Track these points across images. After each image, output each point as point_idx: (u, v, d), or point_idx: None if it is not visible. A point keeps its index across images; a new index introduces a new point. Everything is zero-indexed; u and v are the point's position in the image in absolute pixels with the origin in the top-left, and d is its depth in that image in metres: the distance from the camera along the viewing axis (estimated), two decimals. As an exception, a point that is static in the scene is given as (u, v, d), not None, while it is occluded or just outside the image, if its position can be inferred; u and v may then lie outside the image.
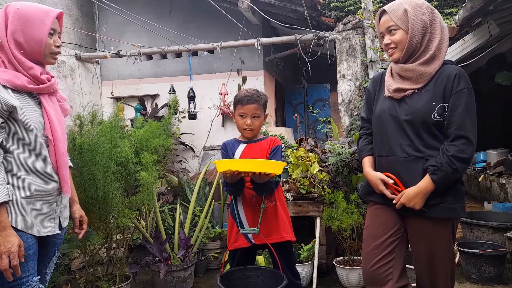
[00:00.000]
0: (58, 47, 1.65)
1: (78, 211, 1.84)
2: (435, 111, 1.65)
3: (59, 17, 1.67)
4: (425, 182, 1.64)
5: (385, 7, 1.74)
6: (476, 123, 1.65)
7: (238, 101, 2.14)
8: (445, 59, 1.73)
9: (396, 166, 1.73)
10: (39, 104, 1.61)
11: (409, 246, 1.84)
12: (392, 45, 1.73)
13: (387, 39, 1.74)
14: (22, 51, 1.56)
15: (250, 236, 2.12)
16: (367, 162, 1.89)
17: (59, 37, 1.68)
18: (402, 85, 1.72)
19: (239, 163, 1.88)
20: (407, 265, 1.99)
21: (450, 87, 1.64)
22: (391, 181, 1.73)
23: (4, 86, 1.49)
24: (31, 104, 1.58)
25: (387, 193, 1.74)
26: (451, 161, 1.60)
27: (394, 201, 1.72)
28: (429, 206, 1.66)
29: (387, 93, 1.79)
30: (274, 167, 1.86)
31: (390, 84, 1.78)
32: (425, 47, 1.68)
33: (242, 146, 2.18)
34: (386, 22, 1.73)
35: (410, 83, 1.71)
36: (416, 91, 1.70)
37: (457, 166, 1.60)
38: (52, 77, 1.68)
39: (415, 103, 1.69)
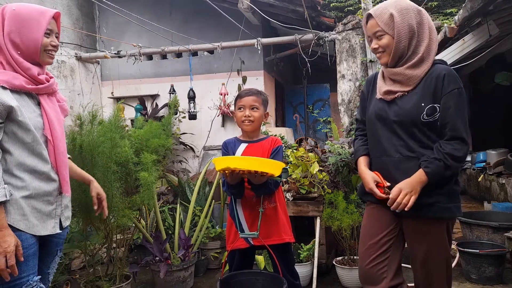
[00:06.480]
0: (54, 46, 1.65)
1: (95, 189, 1.87)
2: (424, 112, 1.66)
3: (56, 18, 1.66)
4: (419, 173, 1.64)
5: (371, 11, 1.73)
6: (467, 121, 1.67)
7: (237, 97, 2.18)
8: (438, 58, 1.73)
9: (390, 166, 1.74)
10: (38, 104, 1.62)
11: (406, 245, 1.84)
12: (380, 50, 1.73)
13: (374, 44, 1.74)
14: (19, 52, 1.56)
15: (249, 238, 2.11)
16: (362, 161, 1.90)
17: (57, 37, 1.67)
18: (392, 88, 1.74)
19: (238, 160, 1.87)
20: (405, 265, 1.99)
21: (440, 88, 1.64)
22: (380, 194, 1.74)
23: (3, 87, 1.49)
24: (30, 104, 1.58)
25: (376, 191, 1.74)
26: (445, 157, 1.62)
27: (389, 202, 1.69)
28: (423, 206, 1.66)
29: (378, 95, 1.80)
30: (273, 167, 1.85)
31: (381, 87, 1.79)
32: (414, 50, 1.68)
33: (243, 146, 2.16)
34: (373, 27, 1.72)
35: (400, 85, 1.72)
36: (406, 93, 1.71)
37: (450, 163, 1.61)
38: (51, 77, 1.68)
39: (404, 104, 1.70)
